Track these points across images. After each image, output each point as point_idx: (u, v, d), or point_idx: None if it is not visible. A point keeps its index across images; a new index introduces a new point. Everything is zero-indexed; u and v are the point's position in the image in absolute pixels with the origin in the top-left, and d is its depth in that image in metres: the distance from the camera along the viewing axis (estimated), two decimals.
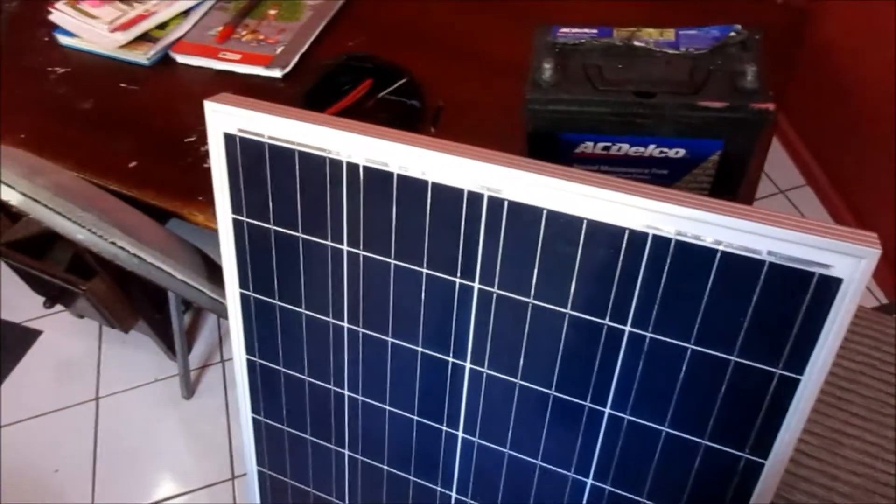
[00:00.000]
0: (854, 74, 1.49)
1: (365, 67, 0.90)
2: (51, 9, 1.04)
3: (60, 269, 1.26)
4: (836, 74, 1.54)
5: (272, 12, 1.05)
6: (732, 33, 0.62)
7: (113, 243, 0.71)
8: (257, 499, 0.84)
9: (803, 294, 0.48)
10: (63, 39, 1.04)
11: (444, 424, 0.66)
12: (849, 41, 1.48)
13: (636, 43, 0.62)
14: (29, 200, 0.67)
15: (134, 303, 1.32)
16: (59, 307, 1.51)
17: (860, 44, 1.45)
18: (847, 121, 1.55)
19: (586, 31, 0.64)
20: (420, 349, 0.63)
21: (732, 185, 0.65)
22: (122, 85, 0.97)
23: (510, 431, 0.64)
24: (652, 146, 0.63)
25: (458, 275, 0.58)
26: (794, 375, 0.51)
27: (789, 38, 0.92)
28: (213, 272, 0.83)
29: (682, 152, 0.63)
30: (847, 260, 0.46)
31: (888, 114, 1.40)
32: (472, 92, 0.90)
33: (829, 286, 0.47)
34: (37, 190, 0.67)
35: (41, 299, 1.36)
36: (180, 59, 1.00)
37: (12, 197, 0.67)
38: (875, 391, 0.88)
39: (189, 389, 1.44)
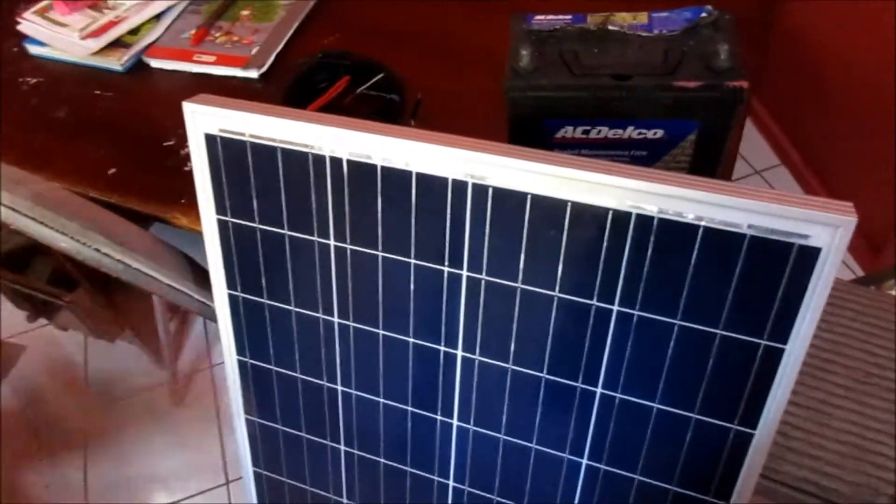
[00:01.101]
0: (825, 55, 1.51)
1: (342, 64, 0.90)
2: (19, 19, 1.03)
3: (42, 282, 1.25)
4: (808, 55, 1.57)
5: (245, 13, 1.05)
6: (704, 14, 0.63)
7: (97, 250, 0.70)
8: (254, 500, 0.84)
9: (784, 265, 0.49)
10: (33, 49, 1.03)
11: (439, 414, 0.67)
12: (820, 22, 1.51)
13: (610, 27, 0.63)
14: (10, 211, 0.66)
15: (119, 312, 1.32)
16: (42, 321, 1.50)
17: (831, 25, 1.48)
18: (819, 100, 1.57)
19: (561, 17, 0.65)
20: (411, 340, 0.64)
21: (710, 164, 0.66)
22: (97, 92, 0.96)
23: (504, 417, 0.64)
24: (630, 128, 0.64)
25: (446, 264, 0.58)
26: (778, 345, 0.52)
27: (760, 19, 0.94)
28: (199, 275, 0.82)
29: (660, 133, 0.64)
30: (824, 229, 0.47)
31: (859, 92, 1.43)
32: (450, 83, 0.91)
33: (808, 256, 0.48)
34: (17, 200, 0.66)
35: (23, 314, 1.35)
36: (155, 63, 0.99)
37: None
38: (857, 361, 0.90)
39: (178, 397, 1.44)
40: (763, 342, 0.52)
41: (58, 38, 1.00)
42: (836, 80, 1.49)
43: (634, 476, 0.62)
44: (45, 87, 0.98)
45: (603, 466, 0.63)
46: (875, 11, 1.33)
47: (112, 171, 0.86)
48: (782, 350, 0.52)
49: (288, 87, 0.89)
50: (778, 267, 0.49)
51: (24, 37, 1.04)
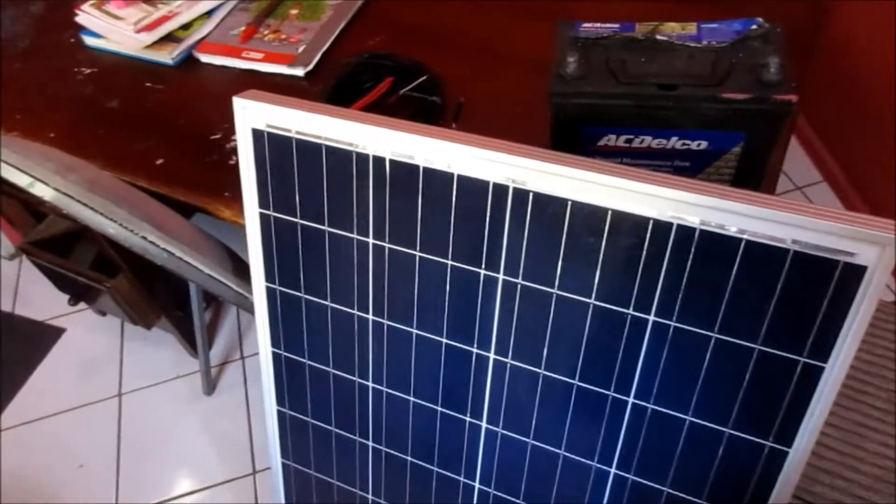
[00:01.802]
0: (871, 70, 1.48)
1: (386, 65, 0.91)
2: (77, 11, 1.06)
3: (85, 267, 1.29)
4: (853, 70, 1.53)
5: (293, 12, 1.06)
6: (754, 26, 0.63)
7: (143, 238, 0.72)
8: (282, 491, 0.85)
9: (827, 282, 0.48)
10: (89, 41, 1.06)
11: (468, 415, 0.67)
12: (866, 37, 1.48)
13: (658, 37, 0.63)
14: (62, 196, 0.69)
15: (156, 300, 1.34)
16: (81, 305, 1.54)
17: (877, 40, 1.45)
18: (863, 116, 1.54)
19: (609, 25, 0.65)
20: (444, 340, 0.64)
21: (755, 177, 0.66)
22: (148, 84, 0.99)
23: (534, 422, 0.64)
24: (674, 138, 0.63)
25: (483, 266, 0.59)
26: (818, 363, 0.51)
27: (806, 32, 0.92)
28: (238, 267, 0.84)
29: (704, 144, 0.63)
30: (872, 248, 0.46)
31: None
32: (492, 88, 0.91)
33: (853, 274, 0.47)
34: (70, 186, 0.69)
35: (65, 297, 1.39)
36: (204, 58, 1.01)
37: (46, 192, 0.68)
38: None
39: (210, 386, 1.46)
40: (802, 359, 0.52)
41: (113, 30, 1.03)
42: (881, 96, 1.46)
43: (663, 488, 0.61)
44: (99, 78, 1.01)
45: (631, 476, 0.62)
46: None
47: (160, 161, 0.88)
48: (822, 368, 0.51)
49: (332, 86, 0.90)
50: (821, 284, 0.49)
51: (80, 28, 1.07)
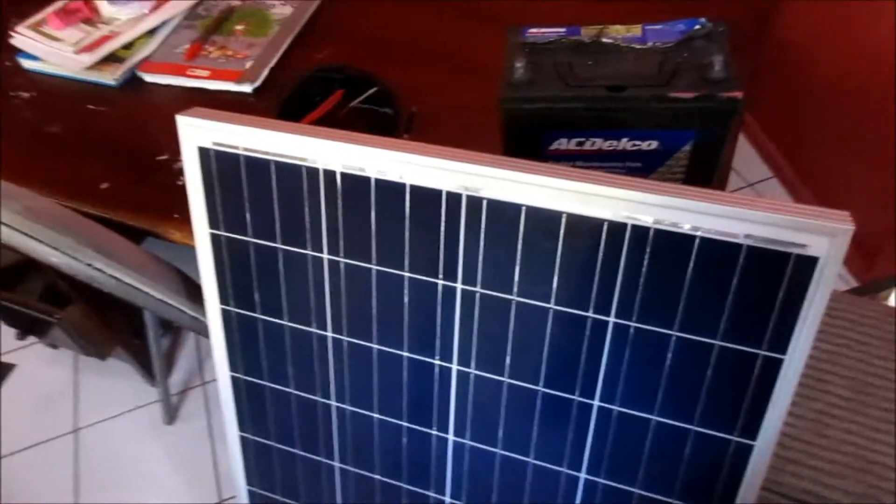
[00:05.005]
0: (817, 67, 1.53)
1: (335, 78, 0.90)
2: (12, 33, 1.03)
3: (33, 299, 1.24)
4: (799, 67, 1.58)
5: (240, 28, 1.05)
6: (698, 26, 0.64)
7: (89, 265, 0.69)
8: None
9: (781, 275, 0.49)
10: (27, 63, 1.03)
11: (434, 428, 0.66)
12: (811, 34, 1.52)
13: (604, 40, 0.64)
14: (1, 226, 0.66)
15: (110, 329, 1.30)
16: (32, 339, 1.48)
17: (822, 36, 1.49)
18: (810, 112, 1.58)
19: (555, 30, 0.65)
20: (406, 354, 0.63)
21: (706, 175, 0.66)
22: (91, 107, 0.96)
23: (500, 431, 0.64)
24: (625, 140, 0.64)
25: (441, 276, 0.58)
26: (777, 356, 0.52)
27: (752, 31, 0.94)
28: (192, 290, 0.82)
29: (654, 144, 0.64)
30: (822, 238, 0.47)
31: (850, 103, 1.44)
32: (445, 97, 0.91)
33: (806, 265, 0.48)
34: (8, 215, 0.66)
35: (13, 332, 1.33)
36: (148, 78, 0.99)
37: None
38: (855, 371, 0.90)
39: (171, 415, 1.42)
40: (762, 352, 0.52)
41: (52, 52, 1.00)
42: (827, 91, 1.50)
43: (634, 490, 0.61)
44: (39, 102, 0.98)
45: (601, 480, 0.62)
46: (865, 23, 1.34)
47: (105, 185, 0.85)
48: (781, 360, 0.52)
49: (282, 102, 0.88)
50: (775, 277, 0.49)
51: (17, 51, 1.03)
